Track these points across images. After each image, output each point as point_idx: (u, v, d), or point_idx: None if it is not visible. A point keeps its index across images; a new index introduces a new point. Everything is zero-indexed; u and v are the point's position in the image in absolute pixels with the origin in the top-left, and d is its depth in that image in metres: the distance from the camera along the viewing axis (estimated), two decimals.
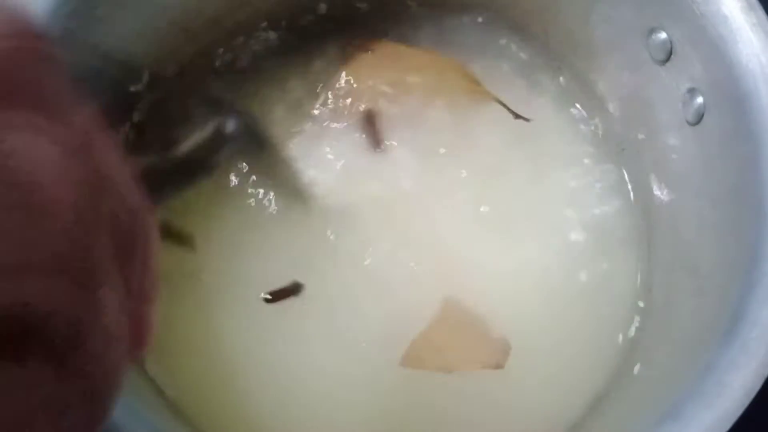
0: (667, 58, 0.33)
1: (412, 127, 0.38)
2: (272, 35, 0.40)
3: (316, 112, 0.39)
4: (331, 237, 0.36)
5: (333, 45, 0.40)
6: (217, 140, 0.33)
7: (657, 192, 0.36)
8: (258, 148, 0.35)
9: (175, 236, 0.34)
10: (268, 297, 0.34)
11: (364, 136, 0.38)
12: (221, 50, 0.39)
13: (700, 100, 0.31)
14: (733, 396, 0.25)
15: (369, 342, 0.34)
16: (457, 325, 0.34)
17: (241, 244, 0.36)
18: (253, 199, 0.36)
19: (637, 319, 0.35)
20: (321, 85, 0.39)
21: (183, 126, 0.32)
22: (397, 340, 0.33)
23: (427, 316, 0.34)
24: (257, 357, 0.34)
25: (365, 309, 0.35)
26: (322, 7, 0.40)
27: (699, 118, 0.31)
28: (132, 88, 0.35)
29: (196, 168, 0.33)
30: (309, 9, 0.40)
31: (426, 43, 0.40)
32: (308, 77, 0.39)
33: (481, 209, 0.37)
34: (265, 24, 0.40)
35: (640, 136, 0.37)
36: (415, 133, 0.38)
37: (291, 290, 0.34)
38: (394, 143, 0.38)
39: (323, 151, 0.38)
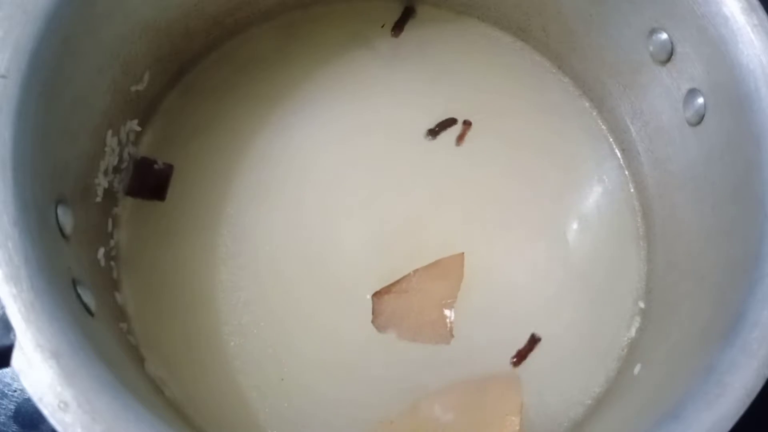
0: (668, 59, 0.33)
1: None
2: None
3: None
4: None
5: None
6: None
7: (657, 192, 0.36)
8: None
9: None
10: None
11: None
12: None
13: (700, 100, 0.31)
14: (734, 396, 0.25)
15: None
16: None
17: None
18: None
19: (637, 319, 0.36)
20: None
21: None
22: None
23: None
24: (256, 356, 0.34)
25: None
26: None
27: (700, 119, 0.31)
28: (133, 88, 0.35)
29: None
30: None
31: (425, 44, 0.40)
32: None
33: (482, 208, 0.37)
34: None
35: (641, 137, 0.37)
36: None
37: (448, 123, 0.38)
38: None
39: None
